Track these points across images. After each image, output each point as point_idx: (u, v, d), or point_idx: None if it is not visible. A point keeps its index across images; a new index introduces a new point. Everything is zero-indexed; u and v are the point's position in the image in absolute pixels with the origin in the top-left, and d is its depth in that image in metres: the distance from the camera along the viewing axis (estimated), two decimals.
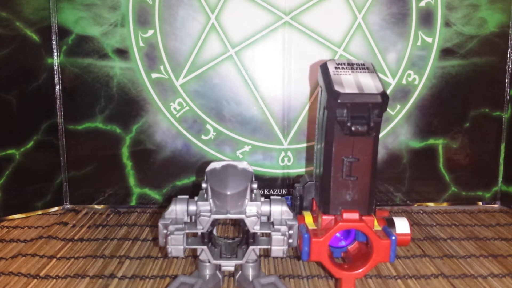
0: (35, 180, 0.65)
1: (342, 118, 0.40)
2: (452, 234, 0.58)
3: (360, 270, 0.42)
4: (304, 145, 0.66)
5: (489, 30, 0.65)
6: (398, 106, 0.66)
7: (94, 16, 0.63)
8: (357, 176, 0.42)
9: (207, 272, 0.44)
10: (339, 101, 0.40)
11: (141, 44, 0.64)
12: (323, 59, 0.64)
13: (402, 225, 0.46)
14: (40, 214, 0.65)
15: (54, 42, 0.63)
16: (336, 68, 0.43)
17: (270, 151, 0.66)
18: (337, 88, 0.40)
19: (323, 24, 0.64)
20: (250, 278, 0.44)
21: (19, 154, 0.62)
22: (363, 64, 0.44)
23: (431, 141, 0.67)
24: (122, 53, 0.64)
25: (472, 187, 0.68)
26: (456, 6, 0.64)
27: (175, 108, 0.65)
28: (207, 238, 0.43)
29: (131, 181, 0.67)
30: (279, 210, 0.43)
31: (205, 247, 0.42)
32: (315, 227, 0.44)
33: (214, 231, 0.47)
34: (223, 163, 0.44)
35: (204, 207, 0.42)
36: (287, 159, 0.67)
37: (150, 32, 0.64)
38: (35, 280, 0.47)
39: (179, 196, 0.44)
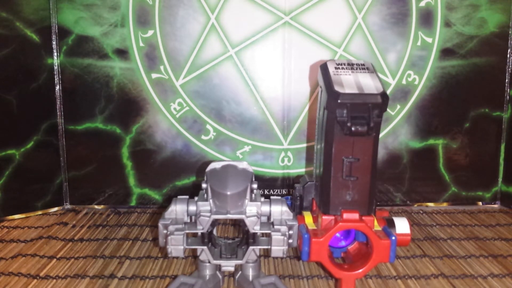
0: (35, 180, 0.65)
1: (342, 118, 0.40)
2: (452, 234, 0.58)
3: (360, 270, 0.42)
4: (304, 145, 0.66)
5: (489, 30, 0.65)
6: (398, 106, 0.66)
7: (94, 16, 0.63)
8: (357, 176, 0.42)
9: (207, 272, 0.44)
10: (339, 101, 0.39)
11: (141, 44, 0.64)
12: (323, 59, 0.64)
13: (402, 225, 0.46)
14: (40, 214, 0.65)
15: (54, 42, 0.63)
16: (336, 68, 0.43)
17: (270, 151, 0.66)
18: (337, 88, 0.40)
19: (323, 24, 0.64)
20: (250, 278, 0.44)
21: (19, 154, 0.62)
22: (363, 64, 0.44)
23: (431, 141, 0.67)
24: (122, 53, 0.64)
25: (472, 187, 0.68)
26: (456, 6, 0.64)
27: (175, 108, 0.65)
28: (207, 238, 0.43)
29: (131, 181, 0.67)
30: (279, 210, 0.43)
31: (205, 247, 0.42)
32: (315, 227, 0.44)
33: (214, 231, 0.47)
34: (223, 163, 0.44)
35: (204, 207, 0.42)
36: (287, 159, 0.67)
37: (150, 32, 0.64)
38: (35, 280, 0.47)
39: (179, 196, 0.44)
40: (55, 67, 0.64)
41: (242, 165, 0.43)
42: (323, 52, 0.64)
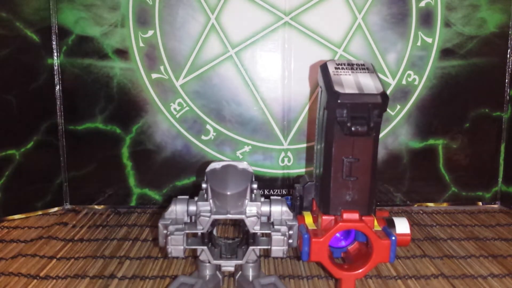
0: (35, 180, 0.65)
1: (342, 118, 0.40)
2: (452, 235, 0.58)
3: (360, 271, 0.42)
4: (304, 145, 0.66)
5: (489, 31, 0.65)
6: (398, 106, 0.66)
7: (94, 17, 0.63)
8: (357, 176, 0.42)
9: (207, 273, 0.44)
10: (339, 101, 0.40)
11: (141, 44, 0.64)
12: (323, 59, 0.64)
13: (402, 225, 0.46)
14: (40, 215, 0.65)
15: (54, 43, 0.63)
16: (336, 68, 0.43)
17: (270, 151, 0.66)
18: (337, 88, 0.40)
19: (323, 24, 0.64)
20: (250, 278, 0.44)
21: (19, 154, 0.62)
22: (363, 65, 0.44)
23: (431, 141, 0.67)
24: (122, 53, 0.64)
25: (472, 187, 0.68)
26: (456, 6, 0.64)
27: (175, 109, 0.65)
28: (207, 239, 0.43)
29: (131, 181, 0.67)
30: (279, 210, 0.43)
31: (205, 248, 0.42)
32: (315, 227, 0.44)
33: (214, 232, 0.47)
34: (223, 163, 0.44)
35: (204, 208, 0.42)
36: (287, 159, 0.67)
37: (150, 33, 0.64)
38: (35, 280, 0.47)
39: (179, 197, 0.44)
40: (55, 67, 0.64)
41: (242, 165, 0.43)
42: (323, 52, 0.64)
